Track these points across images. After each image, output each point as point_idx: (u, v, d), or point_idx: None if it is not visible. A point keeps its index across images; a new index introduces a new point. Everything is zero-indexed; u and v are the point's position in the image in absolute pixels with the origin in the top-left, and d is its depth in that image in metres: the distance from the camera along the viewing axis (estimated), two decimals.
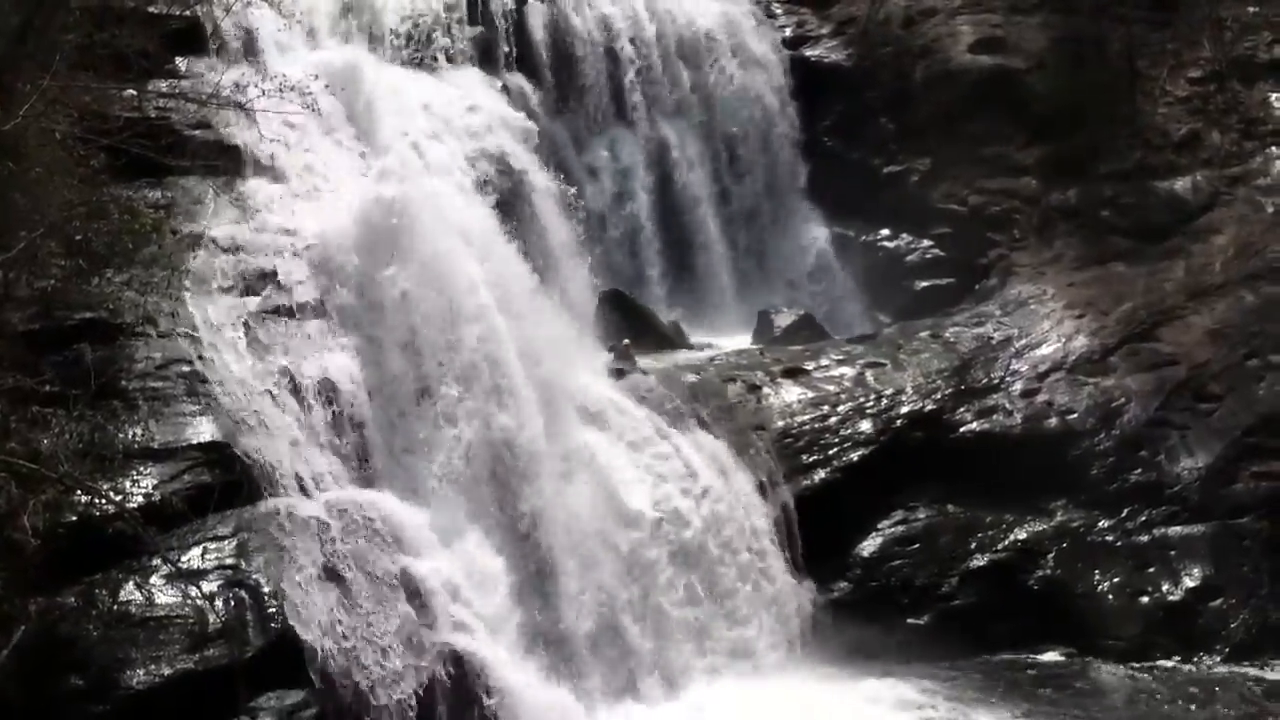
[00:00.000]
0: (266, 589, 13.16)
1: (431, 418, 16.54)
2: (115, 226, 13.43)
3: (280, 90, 16.58)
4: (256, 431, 14.58)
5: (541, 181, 22.11)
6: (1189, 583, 19.73)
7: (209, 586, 12.89)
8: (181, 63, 19.11)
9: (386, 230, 16.90)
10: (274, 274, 16.50)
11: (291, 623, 13.07)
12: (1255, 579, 19.66)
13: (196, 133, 17.42)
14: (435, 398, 16.58)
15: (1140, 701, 17.93)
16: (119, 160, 14.50)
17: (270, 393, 15.22)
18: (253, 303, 16.15)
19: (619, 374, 20.07)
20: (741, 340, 24.60)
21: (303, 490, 14.63)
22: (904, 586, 19.82)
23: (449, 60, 23.32)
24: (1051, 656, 19.33)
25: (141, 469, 13.28)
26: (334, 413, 15.83)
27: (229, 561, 13.24)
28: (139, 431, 13.13)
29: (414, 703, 13.92)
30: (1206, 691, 18.14)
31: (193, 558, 13.10)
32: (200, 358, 14.81)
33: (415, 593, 14.56)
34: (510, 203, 21.02)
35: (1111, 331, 22.37)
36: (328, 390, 15.84)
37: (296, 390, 15.59)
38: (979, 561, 20.06)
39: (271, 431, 14.80)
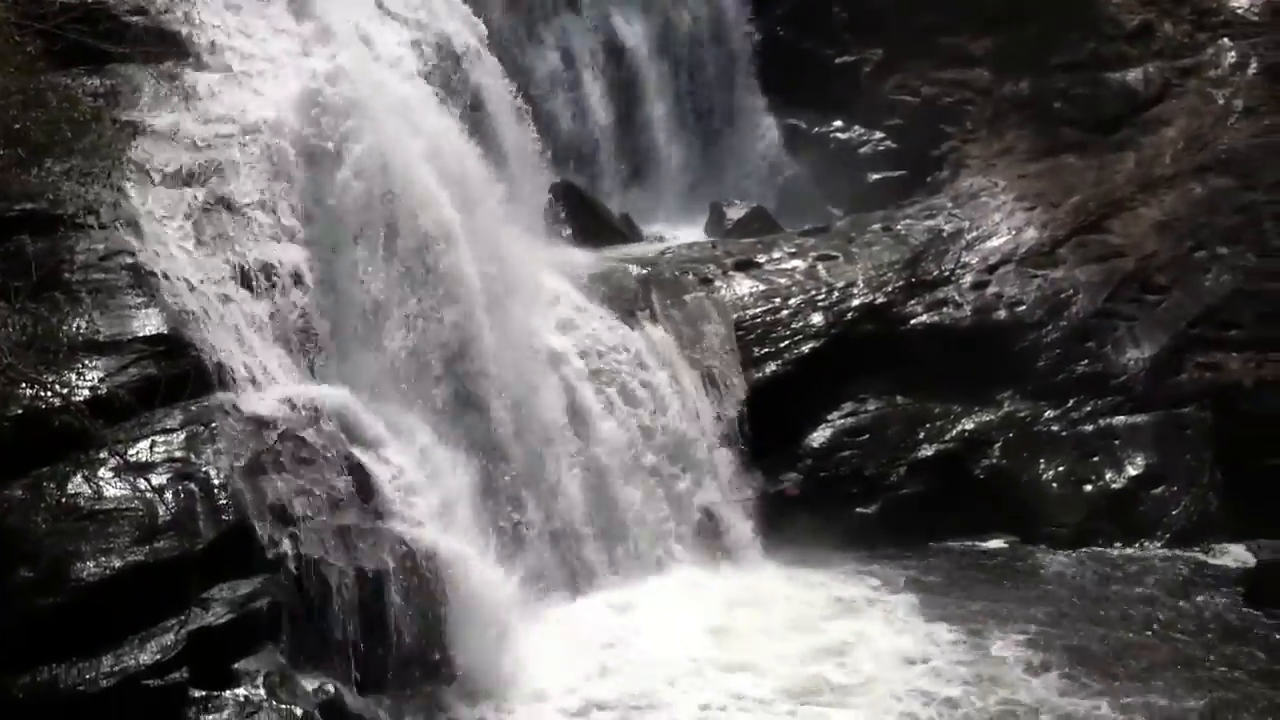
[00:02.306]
0: (216, 481, 13.06)
1: (381, 312, 16.42)
2: (54, 115, 13.04)
3: None
4: (203, 324, 14.37)
5: (491, 71, 21.72)
6: (1132, 471, 20.09)
7: (158, 479, 12.73)
8: None
9: (332, 119, 16.65)
10: (218, 164, 16.14)
11: (242, 514, 13.04)
12: (1197, 467, 20.02)
13: (135, 19, 16.81)
14: (385, 291, 16.45)
15: (1082, 584, 18.31)
16: (56, 46, 14.03)
17: (216, 285, 15.02)
18: (198, 193, 15.83)
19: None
20: (694, 233, 24.50)
21: (252, 383, 14.52)
22: (853, 476, 20.04)
23: None
24: (996, 544, 19.66)
25: (87, 362, 12.97)
26: (282, 306, 15.68)
27: (178, 454, 13.07)
28: (83, 324, 12.77)
29: (366, 594, 14.00)
30: (1146, 574, 18.56)
31: (141, 450, 12.92)
32: (144, 249, 14.53)
33: (365, 484, 14.57)
34: (459, 93, 20.65)
35: (1061, 223, 22.45)
36: (275, 283, 15.68)
37: (244, 282, 15.41)
38: (926, 452, 20.29)
39: (218, 324, 14.63)
